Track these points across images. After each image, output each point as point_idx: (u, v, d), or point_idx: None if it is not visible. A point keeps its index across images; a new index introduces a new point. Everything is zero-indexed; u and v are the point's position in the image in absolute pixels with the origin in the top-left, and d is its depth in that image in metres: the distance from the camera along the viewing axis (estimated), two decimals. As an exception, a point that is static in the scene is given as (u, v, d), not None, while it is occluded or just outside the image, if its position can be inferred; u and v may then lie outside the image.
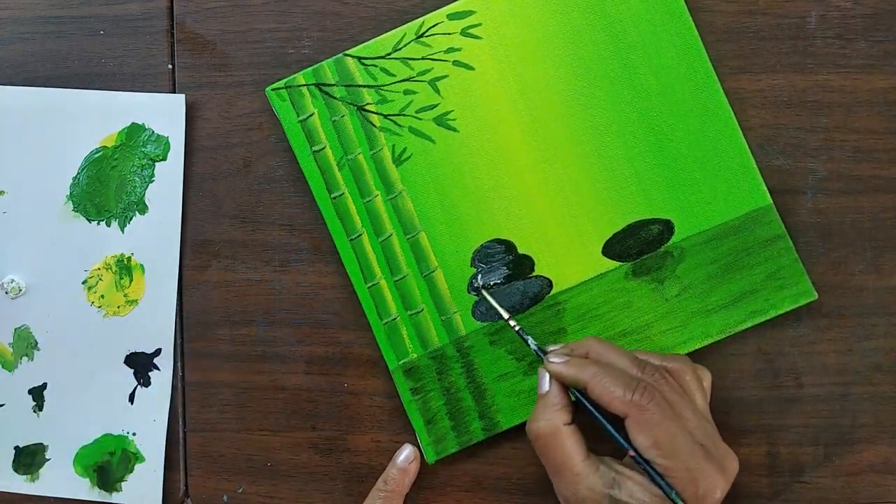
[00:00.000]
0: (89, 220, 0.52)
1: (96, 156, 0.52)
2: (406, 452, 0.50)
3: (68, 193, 0.52)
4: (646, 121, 0.49)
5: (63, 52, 0.53)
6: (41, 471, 0.53)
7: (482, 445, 0.50)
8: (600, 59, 0.49)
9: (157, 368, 0.52)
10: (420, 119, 0.49)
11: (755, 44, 0.50)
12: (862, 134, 0.49)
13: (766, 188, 0.49)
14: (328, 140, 0.50)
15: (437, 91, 0.49)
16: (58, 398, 0.52)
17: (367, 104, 0.50)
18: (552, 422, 0.43)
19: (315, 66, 0.50)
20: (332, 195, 0.50)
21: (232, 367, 0.52)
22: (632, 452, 0.41)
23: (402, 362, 0.50)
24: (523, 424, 0.48)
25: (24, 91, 0.52)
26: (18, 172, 0.52)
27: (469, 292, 0.50)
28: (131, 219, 0.52)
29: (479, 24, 0.49)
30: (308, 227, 0.51)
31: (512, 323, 0.47)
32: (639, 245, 0.49)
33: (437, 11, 0.49)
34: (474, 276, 0.50)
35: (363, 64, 0.50)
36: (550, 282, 0.49)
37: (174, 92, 0.52)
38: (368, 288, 0.50)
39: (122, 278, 0.52)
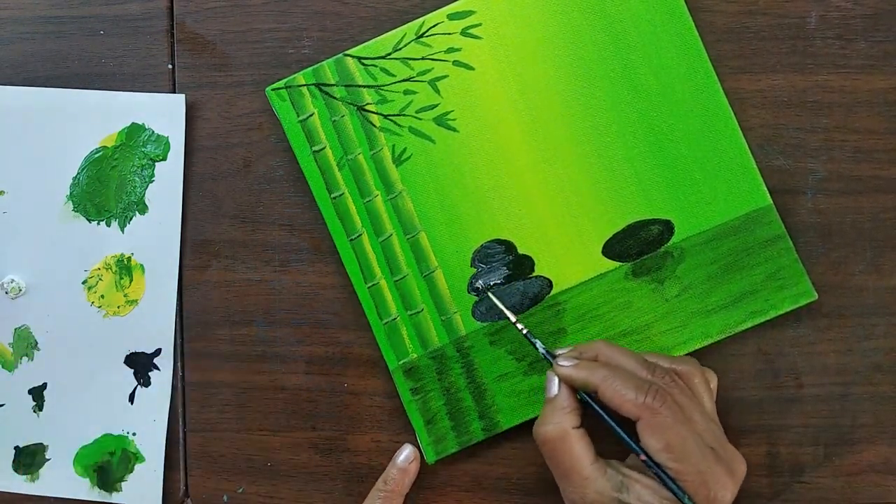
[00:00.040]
0: (89, 220, 0.52)
1: (96, 156, 0.52)
2: (406, 452, 0.50)
3: (68, 193, 0.52)
4: (646, 121, 0.49)
5: (63, 52, 0.53)
6: (41, 471, 0.53)
7: (482, 445, 0.50)
8: (600, 59, 0.49)
9: (157, 368, 0.52)
10: (420, 119, 0.49)
11: (755, 44, 0.50)
12: (862, 134, 0.49)
13: (766, 188, 0.49)
14: (328, 140, 0.50)
15: (437, 91, 0.49)
16: (58, 398, 0.52)
17: (367, 104, 0.50)
18: (561, 425, 0.43)
19: (315, 66, 0.50)
20: (332, 195, 0.50)
21: (232, 367, 0.52)
22: (643, 456, 0.41)
23: (402, 362, 0.50)
24: (523, 424, 0.49)
25: (24, 91, 0.52)
26: (18, 172, 0.52)
27: (469, 292, 0.50)
28: (131, 219, 0.52)
29: (479, 24, 0.49)
30: (308, 227, 0.51)
31: (520, 326, 0.47)
32: (639, 245, 0.49)
33: (437, 11, 0.49)
34: (474, 277, 0.50)
35: (363, 64, 0.50)
36: (550, 282, 0.49)
37: (174, 92, 0.52)
38: (368, 288, 0.50)
39: (122, 278, 0.52)
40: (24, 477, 0.53)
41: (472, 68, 0.49)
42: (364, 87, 0.50)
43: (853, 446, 0.49)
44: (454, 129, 0.49)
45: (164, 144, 0.52)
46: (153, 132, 0.52)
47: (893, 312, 0.49)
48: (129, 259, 0.52)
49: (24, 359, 0.52)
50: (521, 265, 0.49)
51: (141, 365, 0.52)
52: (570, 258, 0.49)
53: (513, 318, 0.47)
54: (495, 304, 0.49)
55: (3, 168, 0.52)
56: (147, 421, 0.52)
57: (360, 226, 0.50)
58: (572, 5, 0.49)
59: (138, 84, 0.52)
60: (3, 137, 0.52)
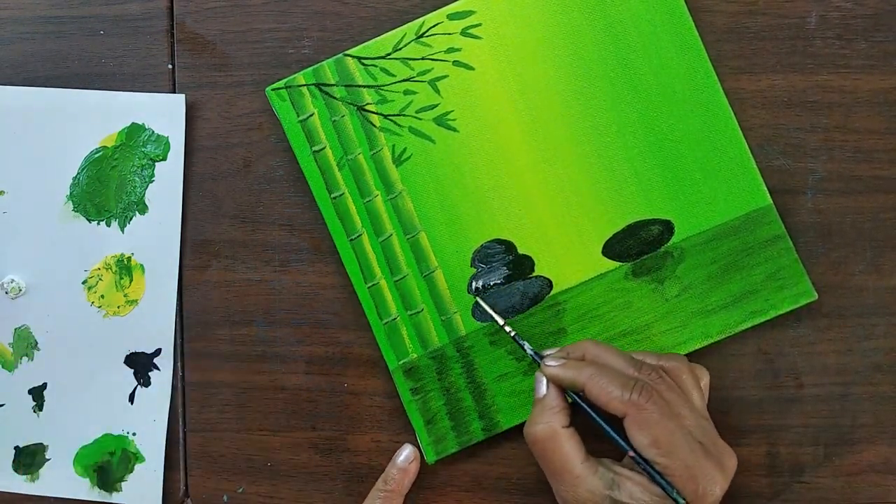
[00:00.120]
0: (89, 220, 0.52)
1: (96, 156, 0.52)
2: (406, 452, 0.50)
3: (68, 193, 0.52)
4: (646, 121, 0.49)
5: (63, 52, 0.53)
6: (41, 471, 0.53)
7: (482, 445, 0.50)
8: (600, 59, 0.49)
9: (157, 368, 0.52)
10: (420, 119, 0.49)
11: (755, 44, 0.50)
12: (862, 134, 0.49)
13: (766, 188, 0.49)
14: (328, 140, 0.50)
15: (437, 91, 0.49)
16: (58, 398, 0.52)
17: (367, 104, 0.50)
18: (550, 425, 0.43)
19: (315, 66, 0.50)
20: (332, 195, 0.50)
21: (232, 367, 0.52)
22: (631, 452, 0.41)
23: (402, 362, 0.50)
24: (523, 424, 0.48)
25: (24, 91, 0.52)
26: (18, 172, 0.52)
27: (469, 292, 0.50)
28: (131, 219, 0.52)
29: (479, 24, 0.49)
30: (308, 227, 0.51)
31: (507, 328, 0.48)
32: (639, 245, 0.49)
33: (437, 11, 0.49)
34: (474, 277, 0.50)
35: (363, 64, 0.50)
36: (550, 282, 0.49)
37: (174, 92, 0.52)
38: (368, 288, 0.50)
39: (122, 278, 0.52)
40: (24, 477, 0.53)
41: (472, 68, 0.49)
42: (364, 87, 0.50)
43: (853, 446, 0.49)
44: (454, 129, 0.49)
45: (164, 144, 0.52)
46: (153, 132, 0.52)
47: (893, 312, 0.49)
48: (129, 259, 0.52)
49: (24, 359, 0.52)
50: (521, 265, 0.49)
51: (141, 365, 0.52)
52: (570, 258, 0.49)
53: (500, 321, 0.48)
54: (489, 306, 0.49)
55: (3, 168, 0.52)
56: (147, 421, 0.52)
57: (360, 226, 0.50)
58: (572, 5, 0.49)
59: (138, 84, 0.52)
60: (3, 137, 0.52)
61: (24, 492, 0.53)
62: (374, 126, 0.50)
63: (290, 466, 0.52)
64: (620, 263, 0.49)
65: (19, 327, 0.52)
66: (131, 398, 0.52)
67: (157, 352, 0.52)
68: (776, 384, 0.50)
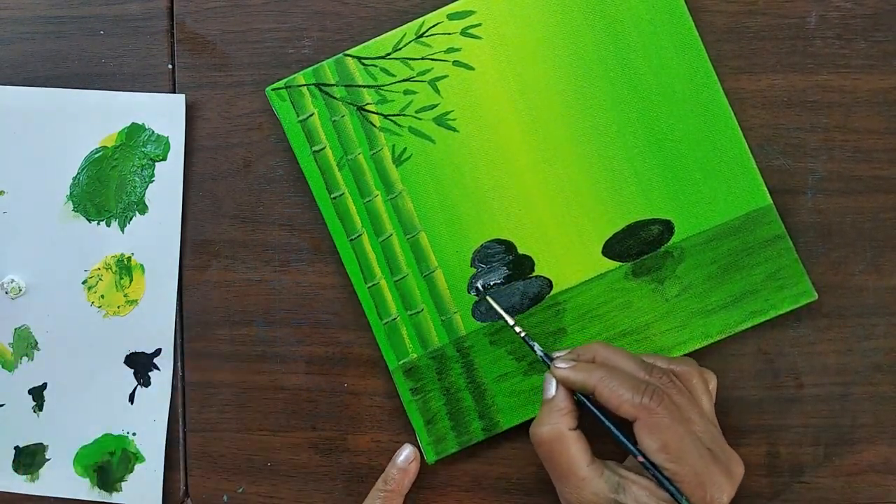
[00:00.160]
0: (89, 220, 0.52)
1: (96, 156, 0.52)
2: (406, 452, 0.50)
3: (68, 193, 0.52)
4: (646, 121, 0.49)
5: (63, 52, 0.53)
6: (41, 471, 0.53)
7: (482, 445, 0.50)
8: (600, 59, 0.49)
9: (157, 368, 0.52)
10: (420, 119, 0.49)
11: (755, 44, 0.50)
12: (862, 134, 0.49)
13: (766, 188, 0.49)
14: (328, 140, 0.50)
15: (437, 91, 0.49)
16: (58, 398, 0.52)
17: (367, 104, 0.50)
18: (557, 427, 0.43)
19: (315, 66, 0.50)
20: (332, 195, 0.50)
21: (232, 367, 0.52)
22: (640, 457, 0.41)
23: (402, 362, 0.50)
24: (523, 424, 0.49)
25: (24, 91, 0.52)
26: (18, 172, 0.52)
27: (469, 292, 0.50)
28: (131, 219, 0.52)
29: (479, 24, 0.49)
30: (308, 227, 0.51)
31: (518, 329, 0.47)
32: (639, 245, 0.49)
33: (437, 11, 0.49)
34: (474, 277, 0.50)
35: (363, 64, 0.50)
36: (550, 282, 0.49)
37: (174, 92, 0.52)
38: (368, 288, 0.50)
39: (122, 278, 0.52)
40: (24, 477, 0.53)
41: (472, 68, 0.49)
42: (364, 87, 0.50)
43: (853, 446, 0.49)
44: (454, 129, 0.49)
45: (164, 144, 0.52)
46: (153, 132, 0.52)
47: (893, 312, 0.49)
48: (129, 259, 0.52)
49: (24, 359, 0.52)
50: (521, 265, 0.49)
51: (141, 365, 0.52)
52: (570, 258, 0.49)
53: (510, 321, 0.47)
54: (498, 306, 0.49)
55: (3, 168, 0.52)
56: (147, 421, 0.52)
57: (360, 226, 0.50)
58: (572, 5, 0.49)
59: (138, 84, 0.52)
60: (3, 137, 0.52)
61: (24, 492, 0.53)
62: (374, 126, 0.50)
63: (290, 466, 0.52)
64: (620, 263, 0.49)
65: (19, 327, 0.52)
66: (131, 398, 0.52)
67: (157, 352, 0.52)
68: (776, 384, 0.50)
